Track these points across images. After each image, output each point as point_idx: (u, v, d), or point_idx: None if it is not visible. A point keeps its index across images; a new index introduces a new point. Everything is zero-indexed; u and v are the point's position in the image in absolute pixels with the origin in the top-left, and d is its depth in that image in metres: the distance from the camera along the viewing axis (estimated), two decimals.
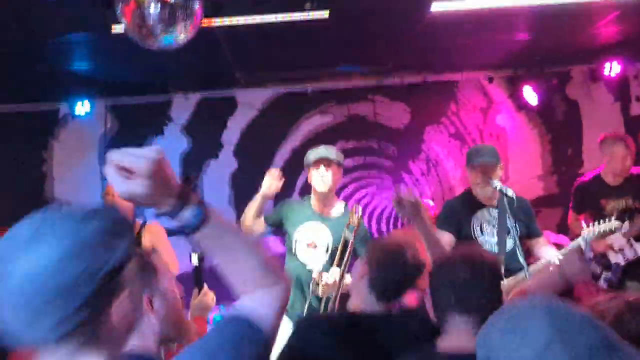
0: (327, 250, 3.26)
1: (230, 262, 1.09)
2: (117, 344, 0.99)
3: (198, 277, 2.00)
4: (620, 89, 5.56)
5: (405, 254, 1.98)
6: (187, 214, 1.01)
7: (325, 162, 3.26)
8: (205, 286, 2.10)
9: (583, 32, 4.63)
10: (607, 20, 4.35)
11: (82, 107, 5.18)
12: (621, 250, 3.70)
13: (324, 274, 3.11)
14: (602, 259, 3.82)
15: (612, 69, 5.31)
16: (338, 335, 1.88)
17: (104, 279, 0.90)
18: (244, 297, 1.09)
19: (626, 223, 3.64)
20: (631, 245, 3.71)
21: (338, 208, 3.40)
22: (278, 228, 3.45)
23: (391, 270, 1.98)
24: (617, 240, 3.70)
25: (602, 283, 3.85)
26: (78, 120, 5.29)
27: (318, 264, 3.23)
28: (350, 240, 3.06)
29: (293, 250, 3.31)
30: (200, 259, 2.11)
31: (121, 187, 0.96)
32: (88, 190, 5.30)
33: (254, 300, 1.07)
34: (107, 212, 0.96)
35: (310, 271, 3.20)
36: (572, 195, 4.19)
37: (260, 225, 3.39)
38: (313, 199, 3.39)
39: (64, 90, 5.05)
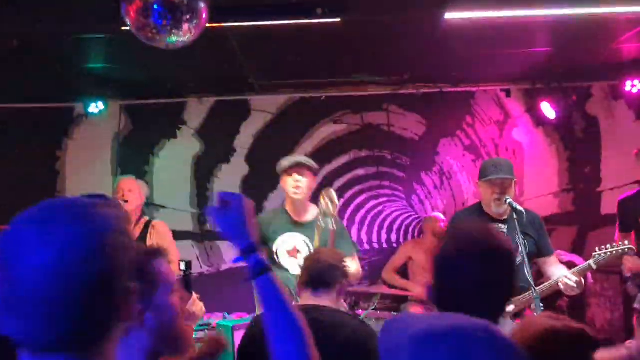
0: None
1: (269, 324, 1.25)
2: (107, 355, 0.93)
3: (186, 284, 1.96)
4: None
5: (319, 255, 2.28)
6: (253, 259, 1.29)
7: (298, 169, 3.28)
8: (194, 295, 2.05)
9: (604, 47, 4.53)
10: (629, 35, 4.25)
11: (97, 107, 5.22)
12: None
13: None
14: (637, 279, 3.66)
15: (634, 86, 5.17)
16: None
17: (108, 285, 0.87)
18: None
19: None
20: None
21: (312, 212, 3.36)
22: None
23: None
24: None
25: (637, 304, 3.70)
26: (92, 119, 5.33)
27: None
28: (331, 229, 3.02)
29: (276, 261, 3.30)
30: (188, 266, 2.07)
31: (218, 217, 1.31)
32: (100, 188, 5.33)
33: None
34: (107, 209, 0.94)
35: (295, 276, 3.15)
36: (617, 213, 3.93)
37: None
38: (288, 207, 3.38)
39: (79, 90, 5.10)
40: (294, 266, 3.26)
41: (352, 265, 3.06)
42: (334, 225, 3.04)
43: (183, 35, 2.10)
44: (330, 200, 3.04)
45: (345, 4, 2.85)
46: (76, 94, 5.16)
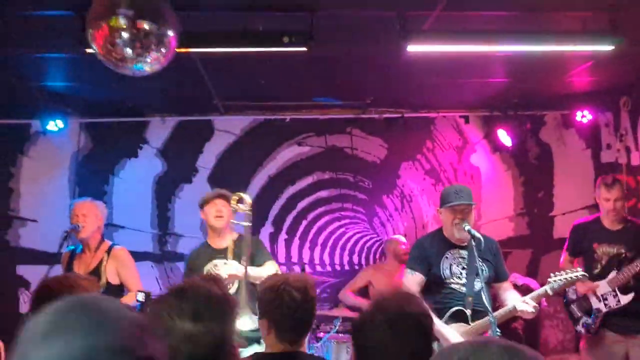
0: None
1: None
2: None
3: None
4: (592, 136, 5.68)
5: (291, 293, 1.87)
6: None
7: (223, 198, 3.51)
8: None
9: (557, 79, 4.76)
10: (581, 69, 4.48)
11: (55, 125, 5.07)
12: (605, 298, 3.67)
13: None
14: (584, 302, 3.80)
15: (584, 116, 5.43)
16: None
17: None
18: None
19: (613, 272, 3.66)
20: (615, 295, 3.65)
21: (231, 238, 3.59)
22: None
23: (283, 311, 1.87)
24: (602, 287, 3.69)
25: (579, 327, 3.83)
26: (50, 137, 5.19)
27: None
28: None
29: None
30: (147, 298, 2.06)
31: None
32: (55, 207, 5.18)
33: None
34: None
35: None
36: (568, 236, 4.01)
37: None
38: (210, 236, 3.63)
39: (37, 107, 4.95)
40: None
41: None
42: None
43: (150, 64, 2.10)
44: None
45: (311, 34, 2.91)
46: (33, 110, 5.01)
